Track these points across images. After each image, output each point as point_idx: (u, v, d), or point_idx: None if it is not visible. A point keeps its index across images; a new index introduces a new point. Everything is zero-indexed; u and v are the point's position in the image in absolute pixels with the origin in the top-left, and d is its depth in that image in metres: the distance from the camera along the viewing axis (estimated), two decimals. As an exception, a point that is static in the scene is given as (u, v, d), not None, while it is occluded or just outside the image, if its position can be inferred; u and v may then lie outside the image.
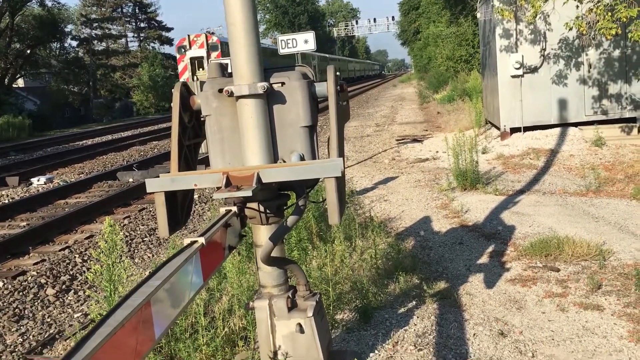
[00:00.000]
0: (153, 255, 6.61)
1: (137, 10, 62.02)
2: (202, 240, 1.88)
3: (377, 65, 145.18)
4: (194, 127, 2.97)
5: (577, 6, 8.93)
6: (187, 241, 1.89)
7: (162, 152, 16.04)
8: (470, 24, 25.46)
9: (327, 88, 2.75)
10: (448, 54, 27.78)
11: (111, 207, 8.91)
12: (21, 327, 4.75)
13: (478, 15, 13.65)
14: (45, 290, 5.49)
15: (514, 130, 11.05)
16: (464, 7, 26.87)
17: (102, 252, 2.67)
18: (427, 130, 15.93)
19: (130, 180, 11.64)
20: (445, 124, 16.12)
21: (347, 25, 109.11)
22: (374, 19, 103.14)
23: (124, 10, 60.83)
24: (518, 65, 10.64)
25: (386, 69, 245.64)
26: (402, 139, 14.24)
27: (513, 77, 10.80)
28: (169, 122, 22.56)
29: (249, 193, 2.32)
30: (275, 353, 2.78)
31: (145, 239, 7.21)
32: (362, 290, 4.06)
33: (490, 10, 11.23)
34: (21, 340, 4.52)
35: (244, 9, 2.59)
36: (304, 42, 10.15)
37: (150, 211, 8.69)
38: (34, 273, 5.88)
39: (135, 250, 6.76)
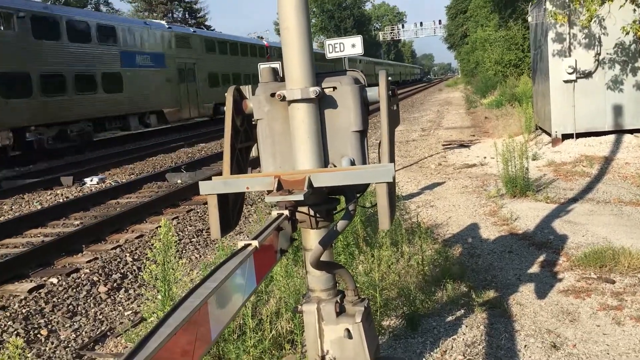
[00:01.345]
0: (200, 256, 6.71)
1: (187, 15, 63.38)
2: (255, 243, 1.90)
3: (416, 69, 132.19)
4: (245, 130, 3.00)
5: (634, 10, 8.64)
6: (240, 244, 1.91)
7: (209, 155, 16.31)
8: (520, 27, 24.99)
9: (378, 93, 2.74)
10: (497, 58, 27.34)
11: (160, 208, 9.10)
12: (74, 323, 4.89)
13: (529, 18, 13.37)
14: (98, 287, 5.64)
15: (566, 136, 10.77)
16: (513, 11, 26.39)
17: (158, 252, 2.73)
18: (474, 136, 15.69)
19: (179, 181, 11.87)
20: (493, 130, 15.85)
21: (393, 29, 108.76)
22: (420, 23, 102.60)
23: (175, 16, 62.23)
24: (571, 70, 10.37)
25: (432, 73, 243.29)
26: (449, 144, 14.07)
27: (565, 82, 10.53)
28: (214, 126, 22.97)
29: (300, 197, 2.33)
30: (322, 358, 2.78)
31: (192, 240, 7.33)
32: (410, 296, 4.02)
33: (543, 14, 10.98)
34: (74, 336, 4.65)
35: (298, 14, 2.61)
36: (351, 46, 10.13)
37: (198, 212, 8.83)
38: (87, 271, 6.06)
39: (184, 251, 6.88)
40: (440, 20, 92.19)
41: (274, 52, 38.97)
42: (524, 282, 4.69)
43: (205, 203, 9.45)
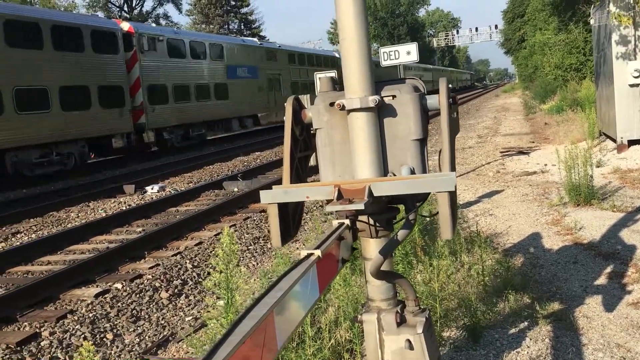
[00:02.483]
0: (257, 264, 6.79)
1: (242, 26, 64.59)
2: (318, 252, 1.91)
3: (466, 75, 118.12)
4: (304, 139, 3.02)
5: None
6: (303, 253, 1.92)
7: (264, 163, 16.52)
8: (581, 30, 24.25)
9: (439, 100, 2.71)
10: (556, 63, 26.58)
11: (218, 216, 9.27)
12: (138, 328, 5.04)
13: (591, 21, 12.96)
14: (160, 293, 5.79)
15: (632, 142, 10.35)
16: (574, 14, 25.64)
17: (220, 260, 2.78)
18: (533, 142, 15.29)
19: (235, 189, 12.07)
20: (553, 136, 15.39)
21: (448, 35, 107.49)
22: (476, 28, 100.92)
23: (230, 27, 63.54)
24: (637, 74, 9.97)
25: (487, 79, 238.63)
26: (507, 151, 13.75)
27: (631, 85, 10.13)
28: (269, 135, 23.28)
29: (361, 206, 2.33)
30: (383, 368, 2.75)
31: (250, 247, 7.43)
32: (470, 307, 3.94)
33: (606, 16, 10.62)
34: (138, 340, 4.79)
35: (357, 24, 2.62)
36: (406, 53, 10.09)
37: (255, 220, 8.95)
38: (149, 276, 6.23)
39: (241, 259, 6.98)
40: (496, 25, 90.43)
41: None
42: (591, 294, 4.52)
43: (262, 211, 9.59)
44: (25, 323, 5.19)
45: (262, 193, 2.64)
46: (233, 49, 28.44)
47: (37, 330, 4.97)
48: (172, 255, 7.12)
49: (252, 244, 7.59)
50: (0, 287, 6.39)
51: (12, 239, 9.13)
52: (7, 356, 4.51)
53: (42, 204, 11.66)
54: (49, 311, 5.47)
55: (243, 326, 1.37)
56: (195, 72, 25.05)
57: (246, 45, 30.20)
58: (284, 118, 2.89)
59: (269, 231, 8.27)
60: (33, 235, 9.21)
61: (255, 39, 35.45)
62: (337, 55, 39.14)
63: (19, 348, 4.66)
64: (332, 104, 2.74)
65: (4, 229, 9.86)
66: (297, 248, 6.74)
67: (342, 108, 2.64)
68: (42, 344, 4.73)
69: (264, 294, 1.57)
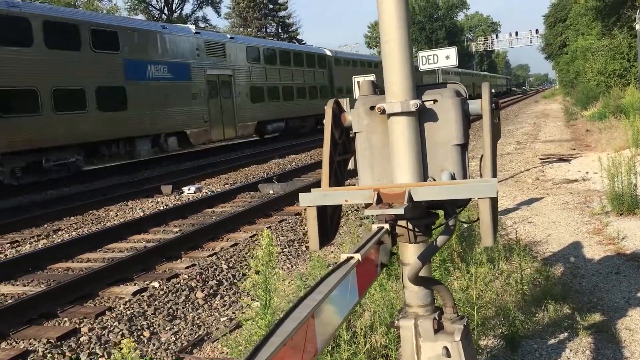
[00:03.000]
0: (292, 266, 6.80)
1: (279, 29, 65.05)
2: (358, 256, 1.89)
3: (502, 79, 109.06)
4: (343, 143, 3.02)
5: None
6: (343, 257, 1.91)
7: (299, 166, 16.58)
8: (625, 35, 23.66)
9: (481, 105, 2.68)
10: (599, 68, 25.99)
11: (253, 218, 9.33)
12: (174, 327, 5.10)
13: (637, 26, 12.62)
14: (195, 293, 5.85)
15: (679, 150, 10.02)
16: (618, 19, 25.03)
17: (260, 262, 2.80)
18: (574, 149, 14.95)
19: (271, 192, 12.13)
20: (595, 143, 15.03)
21: (487, 40, 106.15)
22: (516, 33, 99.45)
23: (268, 30, 64.06)
24: (685, 80, 9.66)
25: (527, 84, 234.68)
26: (547, 158, 13.48)
27: (679, 92, 9.82)
28: (305, 138, 23.20)
29: (400, 211, 2.31)
30: (419, 375, 2.72)
31: (284, 250, 7.46)
32: (509, 316, 3.87)
33: (653, 21, 10.33)
34: (174, 339, 4.85)
35: (399, 27, 2.60)
36: (445, 57, 10.00)
37: (290, 223, 8.98)
38: (186, 276, 6.31)
39: (276, 261, 7.01)
40: (537, 30, 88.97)
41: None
42: (634, 306, 4.38)
43: (297, 214, 9.62)
44: (66, 319, 5.31)
45: (301, 196, 2.64)
46: (141, 36, 19.57)
47: (77, 326, 5.08)
48: (208, 256, 7.19)
49: (287, 246, 7.61)
50: (42, 283, 6.56)
51: (54, 235, 9.37)
52: (48, 350, 4.62)
53: (82, 203, 11.93)
54: (88, 307, 5.59)
55: (284, 328, 1.37)
56: (54, 70, 16.14)
57: (168, 33, 21.08)
58: (324, 121, 2.89)
59: (304, 234, 8.29)
60: (74, 233, 9.43)
61: (189, 26, 26.48)
62: (328, 53, 35.48)
63: (59, 343, 4.77)
64: (372, 108, 2.73)
65: (45, 226, 10.13)
66: (332, 252, 6.74)
67: (383, 112, 2.63)
68: (81, 339, 4.83)
69: (304, 297, 1.56)
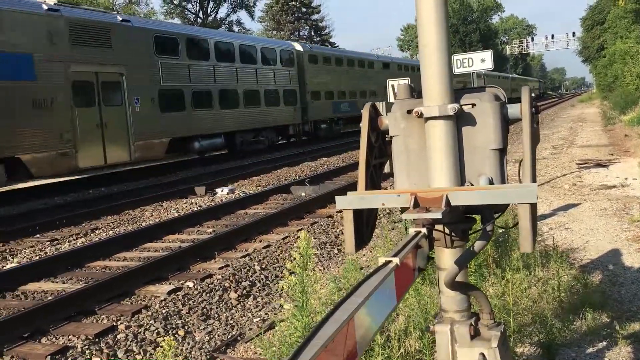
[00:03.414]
0: (324, 269, 6.81)
1: (312, 32, 65.26)
2: (396, 260, 1.90)
3: (534, 82, 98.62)
4: (379, 146, 3.02)
5: None
6: (381, 260, 1.91)
7: (331, 169, 16.60)
8: (667, 38, 23.04)
9: (520, 110, 2.65)
10: (639, 72, 25.35)
11: (286, 220, 9.38)
12: (208, 326, 5.16)
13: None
14: (229, 293, 5.91)
15: None
16: (659, 20, 24.40)
17: (297, 264, 2.82)
18: (612, 155, 14.62)
19: (303, 194, 12.17)
20: (634, 148, 14.68)
21: (522, 43, 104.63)
22: (552, 36, 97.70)
23: (301, 34, 64.33)
24: None
25: (563, 88, 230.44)
26: (584, 163, 13.21)
27: None
28: (336, 141, 23.16)
29: (438, 215, 2.30)
30: (455, 381, 2.70)
31: (316, 253, 7.47)
32: (546, 324, 3.81)
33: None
34: (208, 338, 4.91)
35: (438, 30, 2.59)
36: (480, 61, 9.90)
37: (322, 225, 9.00)
38: (219, 277, 6.38)
39: (308, 263, 7.02)
40: (574, 33, 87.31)
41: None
42: (676, 317, 4.27)
43: (329, 216, 9.64)
44: (103, 316, 5.42)
45: (338, 199, 2.65)
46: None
47: (114, 324, 5.19)
48: (241, 257, 7.26)
49: (319, 248, 7.63)
50: (81, 281, 6.71)
51: (92, 234, 9.58)
52: (86, 347, 4.73)
53: (118, 202, 12.17)
54: (125, 305, 5.70)
55: (324, 331, 1.38)
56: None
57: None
58: (360, 125, 2.90)
59: (336, 236, 8.30)
60: (111, 232, 9.62)
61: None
62: (297, 47, 28.96)
63: (97, 340, 4.87)
64: (409, 112, 2.73)
65: (84, 225, 10.36)
66: (364, 254, 6.73)
67: (420, 116, 2.62)
68: (118, 336, 4.93)
69: (344, 299, 1.57)
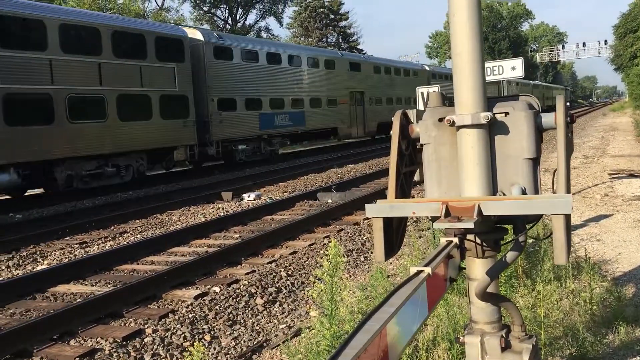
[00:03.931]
0: (350, 276, 6.78)
1: (340, 39, 65.36)
2: (428, 270, 1.87)
3: (559, 91, 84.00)
4: (410, 154, 3.00)
5: None
6: (413, 270, 1.89)
7: (357, 176, 16.55)
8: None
9: (555, 119, 2.61)
10: (673, 80, 24.77)
11: (312, 226, 9.37)
12: (234, 332, 5.17)
13: None
14: (255, 299, 5.92)
15: None
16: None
17: (326, 271, 2.81)
18: (646, 165, 14.30)
19: (329, 201, 12.15)
20: (669, 159, 14.33)
21: (552, 50, 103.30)
22: (583, 43, 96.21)
23: (329, 40, 64.47)
24: None
25: (594, 96, 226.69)
26: (616, 173, 12.94)
27: None
28: (364, 147, 23.04)
29: (470, 225, 2.27)
30: (484, 394, 2.65)
31: (343, 259, 7.44)
32: (578, 337, 3.72)
33: None
34: (234, 344, 4.91)
35: (471, 39, 2.57)
36: (510, 68, 9.79)
37: (348, 232, 8.97)
38: (246, 282, 6.39)
39: (337, 270, 7.00)
40: (605, 40, 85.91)
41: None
42: None
43: (355, 224, 9.60)
44: (131, 319, 5.47)
45: (368, 207, 2.64)
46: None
47: (141, 327, 5.23)
48: (267, 263, 7.27)
49: (346, 256, 7.60)
50: (109, 284, 6.79)
51: (120, 238, 9.70)
52: (114, 350, 4.77)
53: (146, 206, 12.31)
54: (152, 309, 5.75)
55: (357, 340, 1.37)
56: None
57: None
58: (391, 132, 2.88)
59: (362, 244, 8.26)
60: (138, 236, 9.73)
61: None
62: (198, 35, 20.25)
63: (124, 342, 4.92)
64: (441, 120, 2.70)
65: (112, 228, 10.50)
66: (391, 263, 6.68)
67: (452, 124, 2.60)
68: (145, 340, 4.97)
69: (377, 309, 1.56)
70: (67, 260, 8.19)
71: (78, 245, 9.19)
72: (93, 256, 7.84)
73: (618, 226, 7.81)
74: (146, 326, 5.25)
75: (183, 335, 5.05)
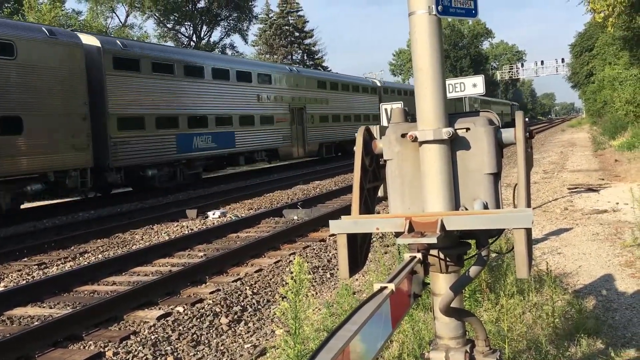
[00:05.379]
0: (316, 293, 6.74)
1: (305, 56, 65.78)
2: (392, 286, 1.86)
3: (505, 106, 77.65)
4: (373, 170, 3.00)
5: None
6: (377, 286, 1.87)
7: (324, 192, 16.56)
8: (655, 65, 23.41)
9: (514, 134, 2.65)
10: (628, 98, 25.72)
11: (278, 243, 9.31)
12: (198, 352, 5.07)
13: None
14: (220, 319, 5.82)
15: None
16: (647, 47, 24.83)
17: (290, 289, 2.77)
18: (603, 180, 14.69)
19: (295, 217, 12.11)
20: (625, 173, 14.77)
21: (512, 68, 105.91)
22: (541, 62, 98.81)
23: (294, 57, 64.80)
24: None
25: (553, 113, 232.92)
26: (575, 188, 13.26)
27: None
28: (329, 164, 23.09)
29: (433, 240, 2.28)
30: (450, 410, 2.64)
31: (309, 277, 7.40)
32: (541, 350, 3.76)
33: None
34: (198, 364, 4.81)
35: (432, 55, 2.59)
36: (472, 85, 9.97)
37: (314, 249, 8.93)
38: (210, 301, 6.29)
39: (301, 288, 6.95)
40: (563, 59, 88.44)
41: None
42: (671, 343, 4.23)
43: (321, 240, 9.58)
44: (91, 342, 5.32)
45: (332, 223, 2.62)
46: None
47: (102, 350, 5.08)
48: (233, 281, 7.17)
49: (312, 273, 7.56)
50: (68, 306, 6.59)
51: (80, 258, 9.45)
52: (73, 373, 4.62)
53: (108, 226, 12.05)
54: (113, 331, 5.59)
55: (321, 359, 1.34)
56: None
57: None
58: (354, 148, 2.88)
59: (328, 261, 8.23)
60: (100, 256, 9.50)
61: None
62: (79, 41, 16.17)
63: (84, 366, 4.76)
64: (403, 135, 2.71)
65: (72, 248, 10.23)
66: (357, 279, 6.67)
67: (415, 140, 2.61)
68: (105, 363, 4.82)
69: (339, 327, 1.53)
70: (24, 282, 7.93)
71: (36, 266, 8.91)
72: (52, 277, 7.62)
73: (578, 239, 7.98)
74: (107, 349, 5.10)
75: (145, 357, 4.92)
